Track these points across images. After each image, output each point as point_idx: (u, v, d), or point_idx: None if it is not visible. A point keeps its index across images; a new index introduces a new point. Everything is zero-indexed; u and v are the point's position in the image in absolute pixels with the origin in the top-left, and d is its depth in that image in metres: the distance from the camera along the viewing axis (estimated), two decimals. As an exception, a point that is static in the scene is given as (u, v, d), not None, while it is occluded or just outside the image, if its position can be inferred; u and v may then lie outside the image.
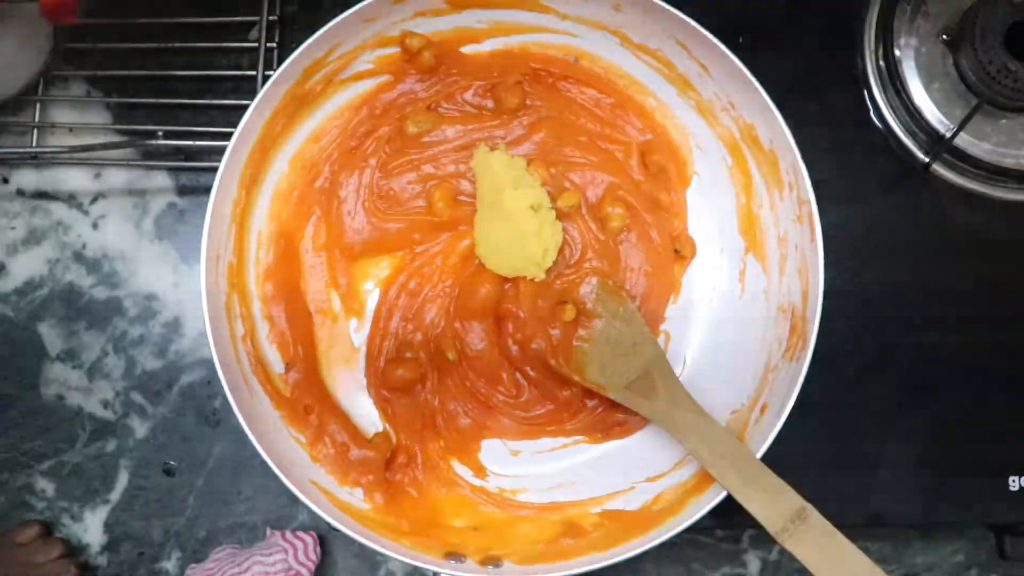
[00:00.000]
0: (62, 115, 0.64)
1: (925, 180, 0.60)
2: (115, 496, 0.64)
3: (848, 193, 0.59)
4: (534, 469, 0.55)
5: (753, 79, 0.50)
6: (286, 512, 0.64)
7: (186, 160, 0.64)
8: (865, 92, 0.60)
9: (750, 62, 0.50)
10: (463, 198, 0.56)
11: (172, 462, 0.64)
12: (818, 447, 0.58)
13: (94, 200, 0.65)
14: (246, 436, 0.47)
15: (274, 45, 0.62)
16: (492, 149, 0.55)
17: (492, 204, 0.54)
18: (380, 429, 0.55)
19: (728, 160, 0.55)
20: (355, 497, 0.52)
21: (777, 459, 0.48)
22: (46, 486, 0.63)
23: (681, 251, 0.56)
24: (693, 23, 0.51)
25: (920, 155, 0.60)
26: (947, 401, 0.58)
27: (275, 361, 0.53)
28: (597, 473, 0.55)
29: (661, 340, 0.56)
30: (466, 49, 0.56)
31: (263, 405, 0.51)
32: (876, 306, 0.59)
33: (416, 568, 0.53)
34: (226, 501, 0.64)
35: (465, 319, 0.56)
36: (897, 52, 0.60)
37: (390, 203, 0.56)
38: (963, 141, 0.59)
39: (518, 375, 0.56)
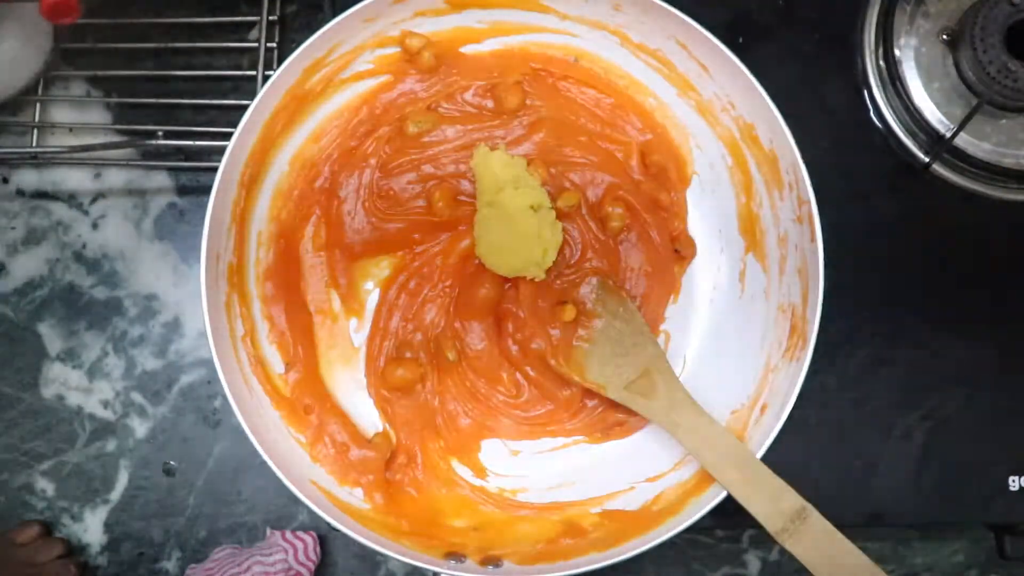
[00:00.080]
0: (62, 115, 0.64)
1: (925, 180, 0.60)
2: (115, 496, 0.64)
3: (848, 193, 0.59)
4: (534, 469, 0.55)
5: (753, 79, 0.50)
6: (286, 512, 0.64)
7: (186, 160, 0.64)
8: (865, 92, 0.60)
9: (750, 62, 0.50)
10: (463, 198, 0.56)
11: (172, 462, 0.64)
12: (818, 447, 0.58)
13: (94, 200, 0.65)
14: (246, 436, 0.47)
15: (274, 45, 0.62)
16: (492, 149, 0.55)
17: (492, 204, 0.54)
18: (380, 429, 0.55)
19: (728, 160, 0.55)
20: (355, 497, 0.52)
21: (777, 459, 0.48)
22: (46, 486, 0.63)
23: (681, 251, 0.56)
24: (693, 23, 0.51)
25: (920, 155, 0.60)
26: (947, 401, 0.58)
27: (275, 361, 0.53)
28: (597, 473, 0.55)
29: (661, 340, 0.56)
30: (466, 49, 0.56)
31: (263, 405, 0.51)
32: (876, 306, 0.59)
33: (416, 568, 0.53)
34: (226, 501, 0.64)
35: (465, 319, 0.56)
36: (897, 52, 0.60)
37: (390, 203, 0.56)
38: (963, 141, 0.59)
39: (518, 375, 0.56)
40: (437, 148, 0.56)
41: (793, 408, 0.48)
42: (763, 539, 0.64)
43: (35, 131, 0.63)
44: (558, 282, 0.56)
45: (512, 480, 0.55)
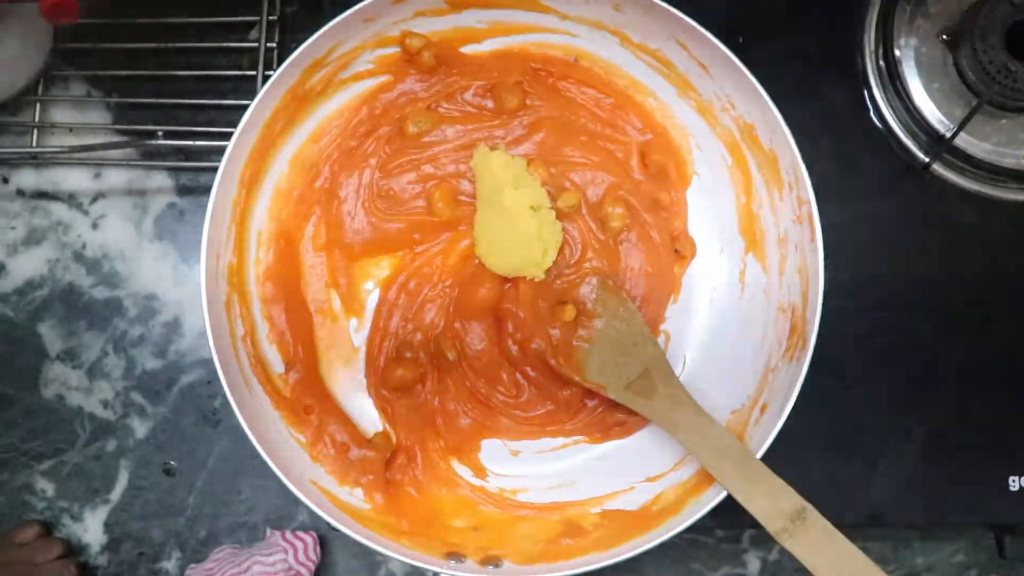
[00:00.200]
0: (62, 115, 0.64)
1: (925, 180, 0.60)
2: (115, 496, 0.64)
3: (848, 193, 0.59)
4: (534, 469, 0.55)
5: (753, 79, 0.50)
6: (286, 512, 0.64)
7: (186, 160, 0.64)
8: (865, 92, 0.60)
9: (750, 62, 0.50)
10: (463, 198, 0.56)
11: (172, 462, 0.64)
12: (818, 447, 0.58)
13: (94, 200, 0.65)
14: (246, 436, 0.47)
15: (274, 45, 0.62)
16: (492, 149, 0.55)
17: (492, 204, 0.54)
18: (380, 429, 0.55)
19: (728, 160, 0.55)
20: (355, 497, 0.52)
21: (777, 459, 0.48)
22: (46, 486, 0.63)
23: (681, 251, 0.57)
24: (693, 23, 0.51)
25: (920, 155, 0.60)
26: (947, 401, 0.58)
27: (275, 361, 0.53)
28: (597, 473, 0.55)
29: (661, 340, 0.56)
30: (466, 49, 0.56)
31: (263, 405, 0.51)
32: (876, 306, 0.59)
33: (416, 568, 0.53)
34: (226, 501, 0.64)
35: (465, 319, 0.56)
36: (897, 52, 0.60)
37: (390, 203, 0.56)
38: (963, 141, 0.59)
39: (518, 375, 0.56)
40: (437, 148, 0.56)
41: (793, 408, 0.48)
42: (763, 539, 0.64)
43: (35, 131, 0.63)
44: (558, 282, 0.56)
45: (512, 480, 0.55)
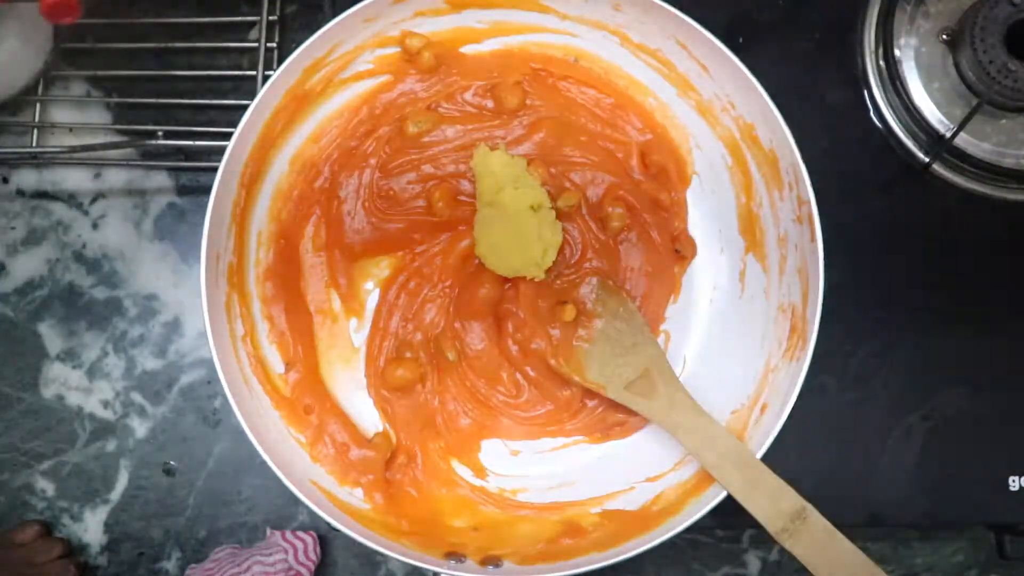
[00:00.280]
0: (62, 115, 0.64)
1: (925, 180, 0.60)
2: (115, 496, 0.64)
3: (848, 193, 0.59)
4: (534, 469, 0.55)
5: (753, 79, 0.50)
6: (286, 512, 0.64)
7: (186, 160, 0.64)
8: (865, 92, 0.60)
9: (750, 62, 0.50)
10: (463, 198, 0.56)
11: (172, 462, 0.64)
12: (818, 447, 0.58)
13: (94, 200, 0.65)
14: (246, 436, 0.47)
15: (274, 45, 0.62)
16: (492, 149, 0.55)
17: (492, 204, 0.54)
18: (380, 429, 0.55)
19: (728, 160, 0.55)
20: (355, 497, 0.52)
21: (777, 459, 0.48)
22: (46, 486, 0.63)
23: (681, 251, 0.56)
24: (693, 23, 0.51)
25: (920, 155, 0.60)
26: (947, 401, 0.58)
27: (275, 361, 0.53)
28: (597, 473, 0.55)
29: (661, 340, 0.56)
30: (466, 49, 0.56)
31: (263, 405, 0.51)
32: (876, 306, 0.59)
33: (416, 568, 0.53)
34: (226, 501, 0.64)
35: (465, 319, 0.56)
36: (897, 52, 0.60)
37: (390, 203, 0.56)
38: (963, 141, 0.59)
39: (518, 375, 0.56)
40: (437, 148, 0.56)
41: (793, 408, 0.48)
42: (763, 539, 0.64)
43: (35, 131, 0.63)
44: (558, 282, 0.56)
45: (512, 480, 0.55)
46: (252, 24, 0.63)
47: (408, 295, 0.56)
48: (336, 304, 0.56)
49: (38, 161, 0.64)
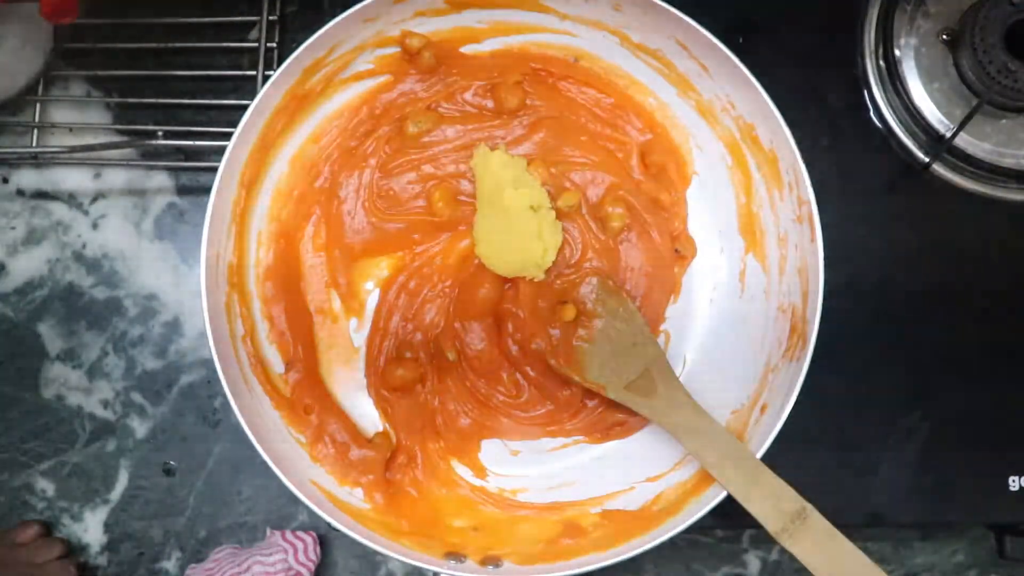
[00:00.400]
0: (62, 115, 0.64)
1: (925, 180, 0.60)
2: (115, 496, 0.64)
3: (848, 193, 0.59)
4: (534, 469, 0.55)
5: (753, 79, 0.50)
6: (286, 512, 0.64)
7: (186, 160, 0.64)
8: (865, 92, 0.60)
9: (750, 62, 0.50)
10: (463, 198, 0.56)
11: (172, 462, 0.64)
12: (818, 447, 0.58)
13: (94, 200, 0.65)
14: (246, 436, 0.47)
15: (274, 45, 0.62)
16: (492, 149, 0.55)
17: (492, 204, 0.54)
18: (380, 429, 0.55)
19: (728, 160, 0.55)
20: (355, 497, 0.52)
21: (777, 459, 0.48)
22: (46, 486, 0.63)
23: (681, 251, 0.57)
24: (693, 23, 0.51)
25: (920, 155, 0.60)
26: (947, 401, 0.58)
27: (275, 361, 0.53)
28: (597, 473, 0.55)
29: (661, 340, 0.56)
30: (466, 49, 0.56)
31: (263, 405, 0.51)
32: (876, 306, 0.59)
33: (416, 568, 0.53)
34: (226, 501, 0.64)
35: (465, 319, 0.56)
36: (897, 52, 0.60)
37: (390, 203, 0.56)
38: (963, 141, 0.59)
39: (518, 375, 0.56)
40: (437, 148, 0.56)
41: (793, 408, 0.48)
42: (763, 539, 0.64)
43: (35, 131, 0.63)
44: (558, 282, 0.56)
45: (512, 480, 0.55)
46: (252, 24, 0.63)
47: (408, 295, 0.56)
48: (336, 304, 0.56)
49: (38, 161, 0.64)
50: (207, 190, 0.49)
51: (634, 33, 0.54)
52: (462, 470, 0.55)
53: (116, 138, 0.63)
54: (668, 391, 0.52)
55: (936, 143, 0.59)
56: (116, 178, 0.65)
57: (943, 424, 0.58)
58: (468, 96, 0.56)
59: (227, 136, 0.49)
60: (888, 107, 0.60)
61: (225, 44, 0.64)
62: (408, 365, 0.55)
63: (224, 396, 0.48)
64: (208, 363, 0.62)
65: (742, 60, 0.50)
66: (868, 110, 0.60)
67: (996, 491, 0.58)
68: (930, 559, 0.65)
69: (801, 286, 0.51)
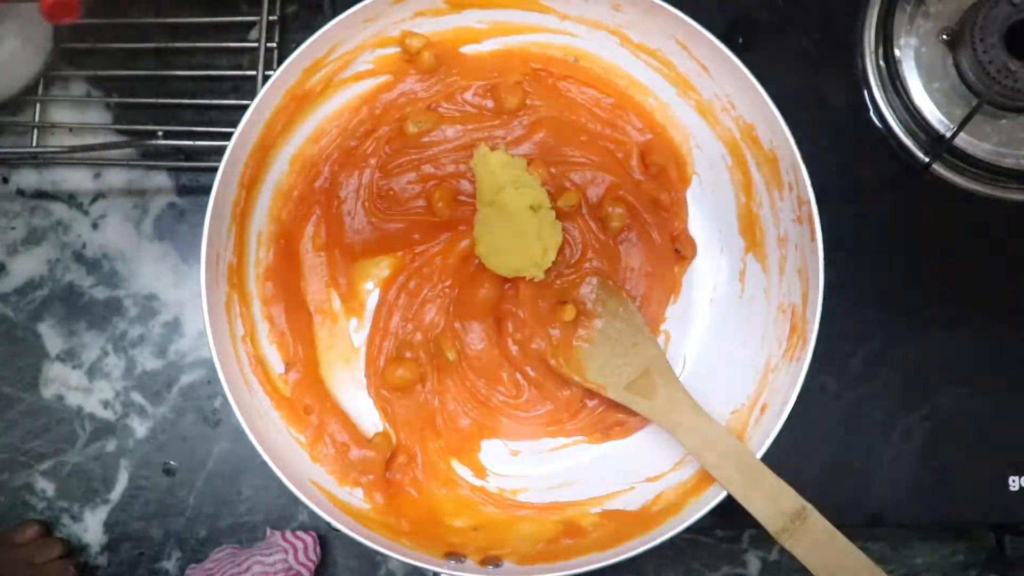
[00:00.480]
0: (62, 115, 0.64)
1: (925, 180, 0.60)
2: (115, 496, 0.64)
3: (848, 193, 0.59)
4: (534, 469, 0.55)
5: (753, 79, 0.50)
6: (286, 512, 0.64)
7: (186, 160, 0.64)
8: (865, 92, 0.60)
9: (750, 62, 0.50)
10: (463, 198, 0.56)
11: (172, 462, 0.64)
12: (818, 447, 0.58)
13: (94, 200, 0.65)
14: (246, 436, 0.47)
15: (274, 45, 0.62)
16: (492, 149, 0.55)
17: (492, 204, 0.54)
18: (380, 429, 0.55)
19: (728, 160, 0.55)
20: (355, 497, 0.52)
21: (777, 459, 0.48)
22: (46, 486, 0.63)
23: (681, 251, 0.56)
24: (693, 23, 0.51)
25: (920, 155, 0.60)
26: (947, 401, 0.58)
27: (275, 361, 0.53)
28: (597, 473, 0.55)
29: (661, 340, 0.56)
30: (466, 49, 0.56)
31: (263, 405, 0.51)
32: (876, 306, 0.59)
33: (416, 568, 0.53)
34: (226, 501, 0.64)
35: (465, 319, 0.56)
36: (897, 52, 0.60)
37: (390, 203, 0.56)
38: (963, 141, 0.59)
39: (518, 375, 0.56)
40: (437, 148, 0.56)
41: (793, 408, 0.48)
42: (763, 539, 0.64)
43: (35, 131, 0.63)
44: (558, 282, 0.56)
45: (512, 480, 0.55)
46: (252, 24, 0.63)
47: (408, 295, 0.56)
48: (336, 304, 0.56)
49: (38, 161, 0.64)
50: (207, 190, 0.49)
51: (634, 33, 0.54)
52: (462, 470, 0.55)
53: (116, 138, 0.63)
54: (668, 391, 0.52)
55: (936, 143, 0.59)
56: (116, 178, 0.65)
57: (943, 424, 0.58)
58: (468, 96, 0.56)
59: (227, 136, 0.49)
60: (888, 107, 0.60)
61: (225, 44, 0.64)
62: (408, 365, 0.55)
63: (224, 396, 0.48)
64: (208, 363, 0.62)
65: (742, 60, 0.50)
66: (868, 110, 0.60)
67: (996, 491, 0.58)
68: (930, 559, 0.65)
69: (801, 286, 0.51)
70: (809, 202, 0.49)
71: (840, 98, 0.60)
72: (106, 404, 0.64)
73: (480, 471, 0.55)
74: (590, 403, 0.56)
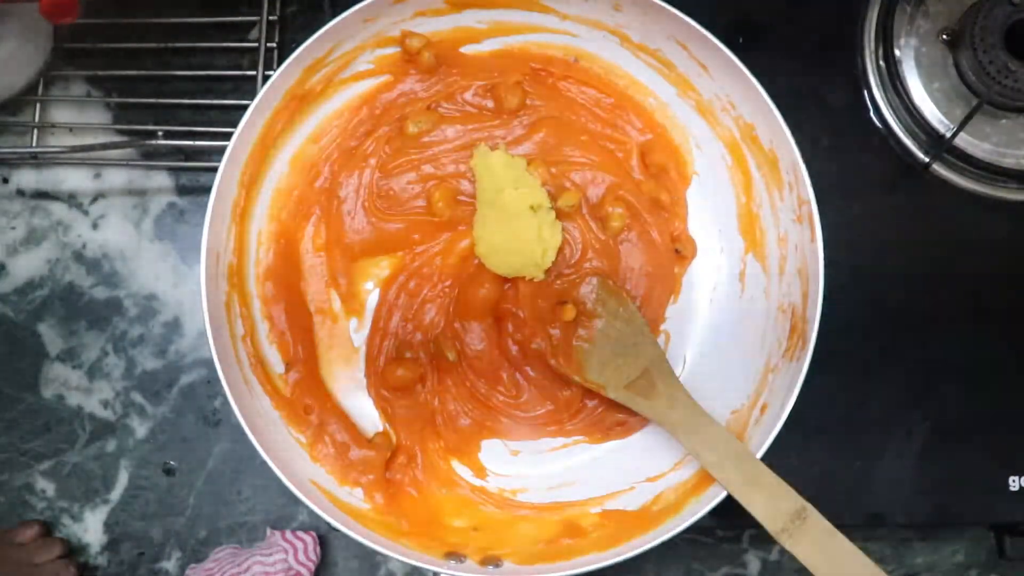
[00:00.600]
0: (62, 115, 0.64)
1: (925, 180, 0.60)
2: (115, 496, 0.64)
3: (848, 193, 0.59)
4: (534, 469, 0.55)
5: (753, 79, 0.50)
6: (286, 512, 0.64)
7: (186, 160, 0.64)
8: (865, 92, 0.60)
9: (750, 62, 0.50)
10: (463, 198, 0.56)
11: (172, 462, 0.64)
12: (818, 447, 0.58)
13: (94, 200, 0.65)
14: (246, 436, 0.47)
15: (274, 45, 0.62)
16: (492, 149, 0.55)
17: (492, 204, 0.54)
18: (380, 429, 0.55)
19: (728, 160, 0.55)
20: (355, 497, 0.52)
21: (777, 459, 0.48)
22: (46, 486, 0.63)
23: (681, 251, 0.56)
24: (693, 23, 0.51)
25: (920, 155, 0.60)
26: (947, 401, 0.58)
27: (275, 361, 0.53)
28: (597, 473, 0.55)
29: (661, 340, 0.56)
30: (466, 49, 0.56)
31: (263, 405, 0.51)
32: (876, 306, 0.59)
33: (416, 568, 0.53)
34: (226, 501, 0.64)
35: (465, 319, 0.56)
36: (897, 52, 0.60)
37: (390, 203, 0.56)
38: (963, 141, 0.59)
39: (518, 375, 0.56)
40: (437, 148, 0.56)
41: (793, 408, 0.48)
42: (763, 539, 0.64)
43: (35, 131, 0.63)
44: (558, 282, 0.56)
45: (512, 480, 0.55)
46: (252, 24, 0.63)
47: (408, 295, 0.56)
48: (336, 304, 0.56)
49: (38, 161, 0.64)
50: (207, 190, 0.49)
51: (634, 33, 0.54)
52: (462, 470, 0.55)
53: (116, 138, 0.63)
54: (668, 391, 0.52)
55: (936, 143, 0.59)
56: (116, 178, 0.65)
57: (943, 424, 0.58)
58: (468, 96, 0.56)
59: (227, 136, 0.49)
60: (888, 107, 0.60)
61: (225, 44, 0.64)
62: (408, 365, 0.55)
63: (224, 396, 0.48)
64: (208, 363, 0.62)
65: (742, 60, 0.50)
66: (868, 110, 0.60)
67: (996, 491, 0.58)
68: (930, 559, 0.65)
69: (801, 286, 0.51)
70: (809, 202, 0.49)
71: (840, 98, 0.60)
72: (106, 404, 0.64)
73: (480, 471, 0.55)
74: (590, 403, 0.56)
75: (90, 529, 0.63)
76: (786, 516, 0.47)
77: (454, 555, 0.50)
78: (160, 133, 0.61)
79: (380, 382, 0.55)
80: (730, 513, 0.48)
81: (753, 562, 0.65)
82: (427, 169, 0.56)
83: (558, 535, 0.52)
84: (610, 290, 0.55)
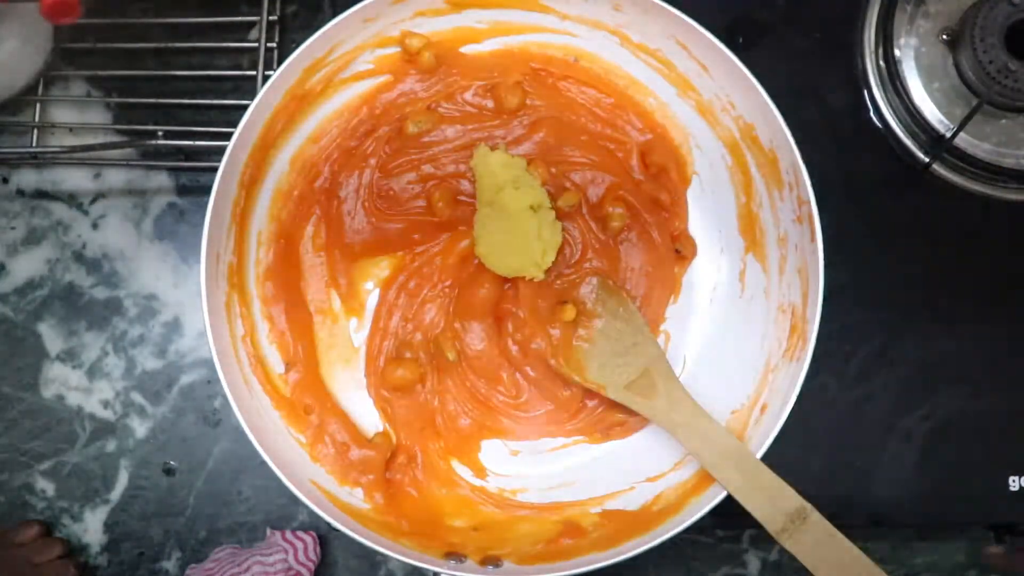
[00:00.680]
0: (62, 115, 0.64)
1: (925, 180, 0.60)
2: (115, 496, 0.64)
3: (848, 193, 0.59)
4: (534, 469, 0.55)
5: (753, 79, 0.50)
6: (286, 512, 0.64)
7: (186, 160, 0.64)
8: (865, 92, 0.60)
9: (750, 62, 0.50)
10: (463, 198, 0.56)
11: (172, 462, 0.64)
12: (818, 447, 0.58)
13: (94, 200, 0.65)
14: (246, 436, 0.47)
15: (274, 45, 0.62)
16: (492, 149, 0.55)
17: (492, 204, 0.54)
18: (380, 429, 0.55)
19: (728, 160, 0.55)
20: (355, 497, 0.52)
21: (777, 459, 0.48)
22: (46, 486, 0.63)
23: (681, 251, 0.57)
24: (693, 23, 0.51)
25: (920, 155, 0.60)
26: (947, 401, 0.58)
27: (275, 361, 0.53)
28: (597, 473, 0.55)
29: (661, 340, 0.56)
30: (466, 49, 0.56)
31: (263, 405, 0.51)
32: (876, 306, 0.59)
33: (416, 568, 0.53)
34: (226, 501, 0.64)
35: (465, 319, 0.56)
36: (897, 52, 0.60)
37: (390, 203, 0.56)
38: (963, 141, 0.59)
39: (518, 375, 0.56)
40: (437, 148, 0.56)
41: (793, 408, 0.48)
42: (763, 539, 0.64)
43: (35, 131, 0.63)
44: (558, 282, 0.56)
45: (512, 480, 0.55)
46: (252, 24, 0.63)
47: (408, 295, 0.56)
48: (336, 304, 0.56)
49: (38, 161, 0.64)
50: (207, 190, 0.49)
51: (634, 33, 0.54)
52: (462, 470, 0.55)
53: (116, 138, 0.63)
54: (668, 391, 0.52)
55: (936, 143, 0.59)
56: (116, 178, 0.65)
57: (943, 424, 0.58)
58: (468, 96, 0.56)
59: (227, 136, 0.49)
60: (888, 107, 0.60)
61: (225, 44, 0.64)
62: (408, 365, 0.55)
63: (224, 396, 0.48)
64: (208, 363, 0.62)
65: (742, 60, 0.50)
66: (868, 110, 0.60)
67: (996, 491, 0.58)
68: (930, 559, 0.65)
69: (801, 286, 0.51)
70: (809, 202, 0.49)
71: (840, 98, 0.60)
72: (106, 404, 0.64)
73: (480, 471, 0.55)
74: (590, 403, 0.56)
75: (90, 529, 0.63)
76: (786, 516, 0.47)
77: (454, 555, 0.50)
78: (160, 133, 0.61)
79: (380, 382, 0.55)
80: (730, 513, 0.48)
81: (753, 562, 0.65)
82: (427, 169, 0.56)
83: (558, 535, 0.52)
84: (610, 290, 0.55)
